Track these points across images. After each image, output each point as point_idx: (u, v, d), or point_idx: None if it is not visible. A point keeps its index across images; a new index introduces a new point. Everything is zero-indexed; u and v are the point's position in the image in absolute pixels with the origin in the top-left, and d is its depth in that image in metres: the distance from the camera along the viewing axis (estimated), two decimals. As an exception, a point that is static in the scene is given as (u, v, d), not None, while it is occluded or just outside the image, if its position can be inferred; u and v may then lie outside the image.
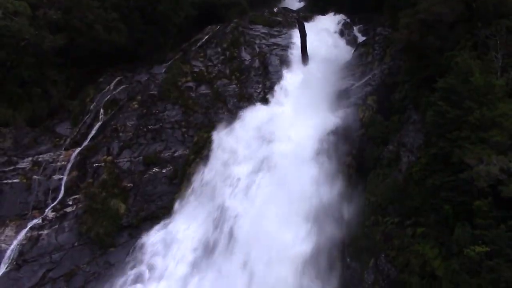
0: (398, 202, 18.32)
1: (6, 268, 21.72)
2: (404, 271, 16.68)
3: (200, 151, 25.08)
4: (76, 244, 22.56)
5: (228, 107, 27.63)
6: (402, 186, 18.67)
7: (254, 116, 25.77)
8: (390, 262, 17.27)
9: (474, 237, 15.42)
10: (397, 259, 17.10)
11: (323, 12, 35.38)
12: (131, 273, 20.95)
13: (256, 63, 30.26)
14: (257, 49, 31.35)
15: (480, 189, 15.66)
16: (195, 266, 20.83)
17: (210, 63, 30.62)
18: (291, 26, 33.10)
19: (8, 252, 22.13)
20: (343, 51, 29.71)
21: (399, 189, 18.64)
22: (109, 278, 21.18)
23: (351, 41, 31.28)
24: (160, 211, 23.47)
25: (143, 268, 21.08)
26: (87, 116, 27.75)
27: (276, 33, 32.96)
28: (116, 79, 29.56)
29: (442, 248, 16.34)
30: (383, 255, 17.55)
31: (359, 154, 21.67)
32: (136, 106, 27.77)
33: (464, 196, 16.06)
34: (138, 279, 20.75)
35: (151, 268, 21.14)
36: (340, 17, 33.70)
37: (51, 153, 25.78)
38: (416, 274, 16.31)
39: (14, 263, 21.82)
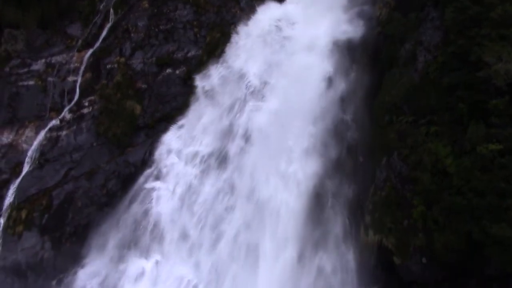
0: (413, 101, 18.30)
1: (29, 168, 22.56)
2: (416, 169, 17.03)
3: (213, 51, 24.82)
4: (94, 144, 23.16)
5: (240, 6, 26.86)
6: (418, 85, 18.55)
7: (267, 14, 25.14)
8: (402, 160, 17.60)
9: (488, 136, 15.58)
10: (410, 157, 17.40)
11: None
12: (150, 171, 21.68)
13: (269, -42, 29.03)
14: None
15: (498, 88, 15.57)
16: (210, 163, 21.42)
17: (220, -41, 29.41)
18: None
19: (30, 152, 22.87)
20: None
21: (414, 89, 18.54)
22: (128, 176, 21.96)
23: None
24: (174, 112, 23.71)
25: (161, 166, 21.73)
26: (97, 17, 27.26)
27: None
28: (125, -23, 28.65)
29: (455, 146, 16.56)
30: (396, 153, 17.85)
31: (375, 53, 21.32)
32: (146, 5, 27.08)
33: (481, 95, 15.99)
34: (157, 176, 21.48)
35: (168, 166, 21.78)
36: None
37: (64, 55, 25.71)
38: (428, 171, 16.66)
39: (37, 162, 22.62)
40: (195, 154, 21.71)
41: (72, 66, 25.33)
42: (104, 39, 26.33)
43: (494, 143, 15.28)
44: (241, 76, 22.96)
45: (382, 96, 19.62)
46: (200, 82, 23.54)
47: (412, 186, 17.01)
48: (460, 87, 16.58)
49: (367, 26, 22.06)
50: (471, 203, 15.39)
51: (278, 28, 23.97)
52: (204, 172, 21.20)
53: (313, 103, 20.51)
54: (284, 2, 26.20)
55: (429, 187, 16.42)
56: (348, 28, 22.32)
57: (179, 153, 21.95)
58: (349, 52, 21.78)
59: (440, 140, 16.91)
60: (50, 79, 24.93)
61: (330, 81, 21.11)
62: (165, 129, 23.05)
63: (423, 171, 16.70)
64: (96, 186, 22.08)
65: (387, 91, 19.54)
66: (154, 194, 21.06)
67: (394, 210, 17.29)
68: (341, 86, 21.02)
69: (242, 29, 24.86)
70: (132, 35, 26.03)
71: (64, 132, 23.39)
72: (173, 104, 24.00)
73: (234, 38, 24.58)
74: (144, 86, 24.42)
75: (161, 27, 26.19)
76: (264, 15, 25.17)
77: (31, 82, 24.80)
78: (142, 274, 19.88)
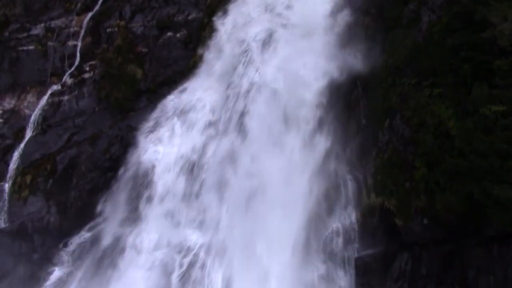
0: (416, 63, 18.10)
1: (32, 133, 22.66)
2: (418, 131, 16.98)
3: (214, 14, 24.46)
4: (96, 109, 23.18)
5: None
6: (421, 47, 18.31)
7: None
8: (405, 122, 17.54)
9: (491, 97, 15.46)
10: (412, 120, 17.32)
11: None
12: (153, 136, 21.70)
13: None
14: None
15: (502, 48, 15.38)
16: (212, 128, 21.42)
17: None
18: None
19: (32, 117, 22.93)
20: None
21: (418, 50, 18.31)
22: (131, 140, 22.02)
23: None
24: (176, 75, 23.60)
25: (163, 130, 21.76)
26: (96, -21, 26.87)
27: None
28: None
29: (458, 109, 16.45)
30: (398, 116, 17.77)
31: (378, 14, 20.97)
32: (145, -33, 26.65)
33: (485, 55, 15.78)
34: (159, 141, 21.53)
35: (170, 131, 21.82)
36: None
37: (63, 19, 25.47)
38: (430, 133, 16.61)
39: (40, 127, 22.71)
40: (197, 120, 21.67)
41: (71, 30, 25.12)
42: (103, 2, 26.04)
43: (497, 104, 15.18)
44: (243, 39, 22.48)
45: (385, 58, 19.42)
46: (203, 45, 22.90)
47: (414, 148, 17.00)
48: (464, 48, 16.36)
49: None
50: (473, 164, 15.41)
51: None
52: (206, 137, 21.21)
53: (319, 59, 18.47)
54: None
55: (431, 149, 16.40)
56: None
57: (180, 118, 21.93)
58: (351, 12, 20.50)
59: (443, 102, 16.79)
60: (50, 43, 24.77)
61: (334, 43, 19.87)
62: (167, 93, 22.95)
63: (425, 133, 16.65)
64: (99, 151, 22.20)
65: (390, 53, 19.33)
66: (157, 158, 21.18)
67: (396, 172, 17.34)
68: (343, 47, 19.77)
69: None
70: (131, -3, 25.72)
71: (65, 97, 23.39)
72: (175, 68, 23.88)
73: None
74: (145, 50, 24.24)
75: (160, -11, 25.85)
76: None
77: (31, 47, 24.66)
78: (148, 236, 20.14)
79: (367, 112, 19.46)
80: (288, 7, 20.78)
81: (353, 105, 19.13)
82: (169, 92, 22.90)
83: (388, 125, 18.15)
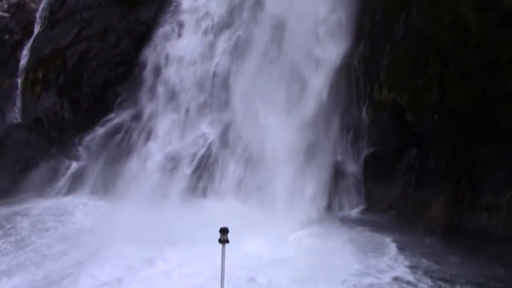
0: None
1: (40, 28, 22.26)
2: (435, 25, 16.62)
3: None
4: (103, 3, 22.54)
5: None
6: None
7: None
8: (421, 16, 17.10)
9: (513, -11, 14.92)
10: (429, 13, 16.88)
11: None
12: (162, 31, 21.36)
13: None
14: None
15: None
16: (223, 24, 20.98)
17: None
18: None
19: (39, 11, 22.40)
20: None
21: None
22: (140, 35, 21.67)
23: None
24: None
25: (172, 25, 21.38)
26: None
27: None
28: None
29: (477, 2, 15.96)
30: (415, 9, 17.29)
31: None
32: None
33: None
34: (169, 36, 21.23)
35: (179, 25, 21.44)
36: None
37: None
38: (447, 28, 16.27)
39: (47, 22, 22.25)
40: (205, 13, 21.22)
41: None
42: None
43: (517, -4, 14.70)
44: None
45: None
46: None
47: (429, 43, 16.75)
48: None
49: None
50: (488, 59, 15.25)
51: None
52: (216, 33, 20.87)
53: None
54: None
55: (447, 44, 16.16)
56: None
57: (188, 12, 21.45)
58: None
59: (462, -5, 16.26)
60: None
61: None
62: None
63: (442, 28, 16.30)
64: (108, 46, 21.90)
65: None
66: (168, 54, 21.02)
67: (409, 67, 17.23)
68: None
69: None
70: None
71: (72, -10, 22.68)
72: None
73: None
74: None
75: None
76: None
77: None
78: (161, 130, 20.55)
79: (382, 5, 18.86)
80: None
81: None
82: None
83: (404, 18, 17.71)
